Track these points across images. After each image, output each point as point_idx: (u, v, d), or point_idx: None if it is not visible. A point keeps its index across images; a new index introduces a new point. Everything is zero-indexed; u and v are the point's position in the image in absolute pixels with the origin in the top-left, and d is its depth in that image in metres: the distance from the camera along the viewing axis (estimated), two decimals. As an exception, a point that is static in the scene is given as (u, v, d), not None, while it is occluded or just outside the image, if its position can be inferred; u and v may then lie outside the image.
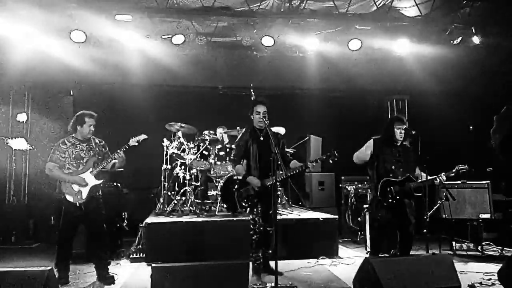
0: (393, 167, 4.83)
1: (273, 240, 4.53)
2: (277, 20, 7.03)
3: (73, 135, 4.69)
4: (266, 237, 4.76)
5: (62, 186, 4.56)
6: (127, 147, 4.70)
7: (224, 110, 8.17)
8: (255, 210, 4.73)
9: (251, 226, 4.74)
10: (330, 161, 4.53)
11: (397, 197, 4.73)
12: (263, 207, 4.72)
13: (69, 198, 4.53)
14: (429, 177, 4.76)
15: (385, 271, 3.53)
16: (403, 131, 4.82)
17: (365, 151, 4.95)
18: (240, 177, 4.85)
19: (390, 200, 4.75)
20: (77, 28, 6.52)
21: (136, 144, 4.75)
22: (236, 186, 4.84)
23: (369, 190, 6.83)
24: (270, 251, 4.81)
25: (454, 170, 4.82)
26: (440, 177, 4.77)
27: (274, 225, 4.45)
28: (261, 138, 4.79)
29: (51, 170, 4.55)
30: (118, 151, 4.66)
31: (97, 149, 4.77)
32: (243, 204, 4.74)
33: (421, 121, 8.62)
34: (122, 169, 6.44)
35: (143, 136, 4.78)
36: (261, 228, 4.71)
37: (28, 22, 6.43)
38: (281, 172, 4.48)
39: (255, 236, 4.73)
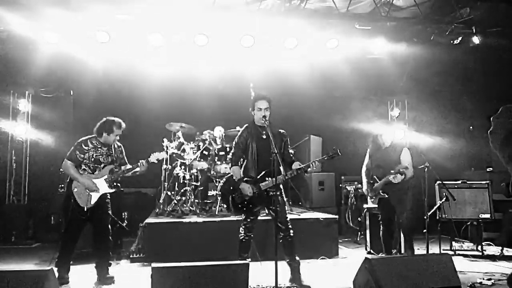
0: (380, 169, 5.26)
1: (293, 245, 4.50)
2: (277, 20, 7.02)
3: (97, 137, 4.66)
4: (249, 243, 4.52)
5: (74, 185, 4.52)
6: (148, 162, 4.72)
7: (224, 110, 8.16)
8: (249, 217, 4.46)
9: (241, 229, 4.49)
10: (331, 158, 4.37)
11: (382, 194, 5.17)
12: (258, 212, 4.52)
13: (78, 200, 4.51)
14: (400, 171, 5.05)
15: (385, 271, 3.53)
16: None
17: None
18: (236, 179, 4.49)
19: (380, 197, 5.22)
20: (77, 28, 6.51)
21: (156, 161, 4.79)
22: (231, 189, 4.47)
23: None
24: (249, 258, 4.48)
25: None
26: (391, 176, 5.01)
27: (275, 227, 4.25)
28: (263, 137, 4.42)
29: (68, 168, 4.52)
30: (143, 161, 4.67)
31: (115, 155, 4.76)
32: (238, 207, 4.41)
33: (421, 121, 8.63)
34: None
35: (163, 155, 4.83)
36: (250, 234, 4.48)
37: (28, 22, 6.42)
38: (279, 176, 4.20)
39: (243, 240, 4.48)
